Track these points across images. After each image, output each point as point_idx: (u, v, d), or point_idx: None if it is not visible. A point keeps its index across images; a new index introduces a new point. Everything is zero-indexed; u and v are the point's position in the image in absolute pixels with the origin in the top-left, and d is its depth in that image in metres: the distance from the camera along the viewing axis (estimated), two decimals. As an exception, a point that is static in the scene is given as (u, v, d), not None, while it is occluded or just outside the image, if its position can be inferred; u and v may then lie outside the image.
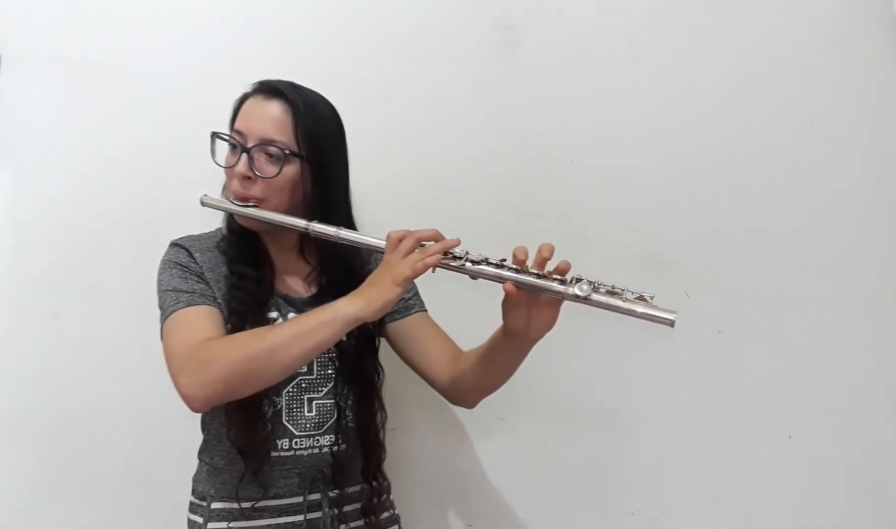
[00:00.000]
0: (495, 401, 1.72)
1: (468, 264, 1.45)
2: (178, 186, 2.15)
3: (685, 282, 2.18)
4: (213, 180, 1.71)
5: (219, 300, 1.61)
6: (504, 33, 2.31)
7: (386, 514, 1.80)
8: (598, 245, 2.21)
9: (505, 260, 1.44)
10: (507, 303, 1.47)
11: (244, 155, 1.59)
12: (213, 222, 1.77)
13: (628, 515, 2.22)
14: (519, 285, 1.41)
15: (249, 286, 1.63)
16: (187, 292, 1.58)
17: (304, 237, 1.66)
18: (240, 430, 1.60)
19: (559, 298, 1.41)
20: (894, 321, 2.21)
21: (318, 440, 1.67)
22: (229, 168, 1.63)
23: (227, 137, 1.65)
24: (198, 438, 1.76)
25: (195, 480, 1.74)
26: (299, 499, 1.65)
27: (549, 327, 1.48)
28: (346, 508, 1.70)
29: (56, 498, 2.15)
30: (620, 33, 2.32)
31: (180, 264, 1.63)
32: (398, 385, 1.92)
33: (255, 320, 1.59)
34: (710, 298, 2.21)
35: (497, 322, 1.52)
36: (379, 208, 1.89)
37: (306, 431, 1.66)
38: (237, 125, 1.64)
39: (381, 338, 1.81)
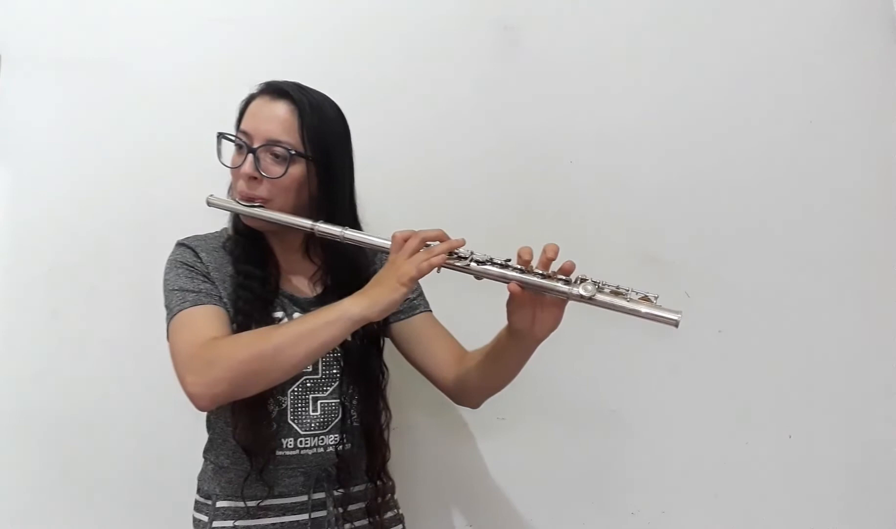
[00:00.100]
0: (496, 401, 1.72)
1: (473, 265, 1.45)
2: (177, 186, 2.17)
3: (685, 282, 2.17)
4: (213, 180, 1.71)
5: (225, 300, 1.62)
6: (504, 33, 2.32)
7: (390, 514, 1.80)
8: (598, 245, 2.20)
9: (510, 260, 1.44)
10: (511, 303, 1.47)
11: (250, 155, 1.59)
12: (214, 221, 1.77)
13: (628, 515, 2.22)
14: (524, 285, 1.41)
15: (255, 286, 1.63)
16: (193, 291, 1.59)
17: (310, 237, 1.65)
18: (245, 429, 1.60)
19: (564, 298, 1.41)
20: (894, 321, 2.22)
21: (322, 439, 1.67)
22: (235, 168, 1.63)
23: (233, 138, 1.66)
24: (196, 437, 1.76)
25: (200, 479, 1.74)
26: (304, 498, 1.65)
27: (554, 327, 1.48)
28: (351, 507, 1.70)
29: (56, 498, 2.15)
30: (620, 33, 2.33)
31: (186, 264, 1.63)
32: (402, 385, 1.92)
33: (261, 319, 1.59)
34: (710, 298, 2.21)
35: (501, 322, 1.52)
36: (378, 208, 1.89)
37: (311, 430, 1.66)
38: (243, 126, 1.64)
39: (385, 338, 1.81)
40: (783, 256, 2.23)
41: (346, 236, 1.56)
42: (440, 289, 1.78)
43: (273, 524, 1.63)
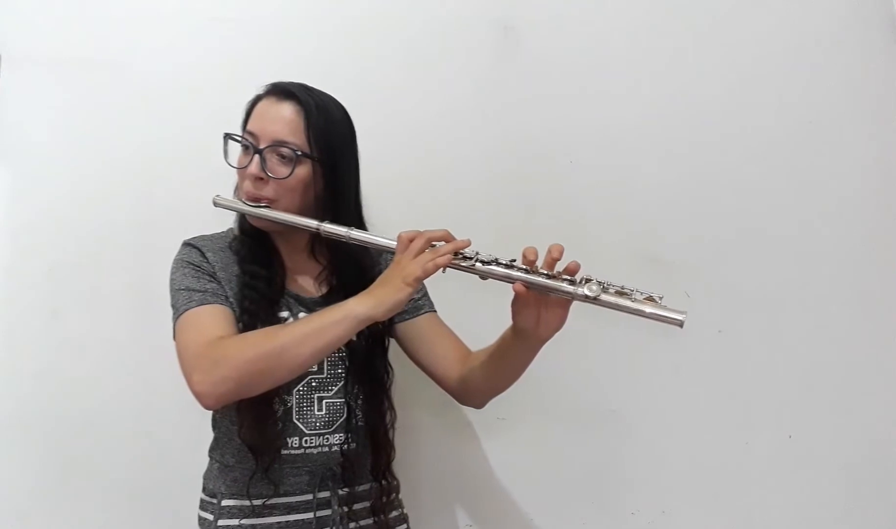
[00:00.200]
0: (497, 401, 1.72)
1: (478, 265, 1.45)
2: (178, 186, 2.17)
3: (685, 282, 2.18)
4: (214, 180, 1.70)
5: (231, 300, 1.62)
6: (504, 33, 2.32)
7: (395, 513, 1.80)
8: (598, 245, 2.21)
9: (515, 260, 1.45)
10: (516, 303, 1.47)
11: (256, 156, 1.60)
12: (214, 221, 1.77)
13: (628, 515, 2.22)
14: (529, 285, 1.41)
15: (261, 286, 1.63)
16: (199, 291, 1.59)
17: (315, 237, 1.66)
18: (250, 428, 1.60)
19: (569, 298, 1.41)
20: (894, 321, 2.23)
21: (327, 438, 1.67)
22: (241, 169, 1.64)
23: (239, 139, 1.66)
24: (201, 436, 1.76)
25: (206, 477, 1.74)
26: (309, 497, 1.65)
27: (559, 327, 1.48)
28: (356, 506, 1.70)
29: (56, 498, 2.14)
30: (620, 33, 2.33)
31: (193, 264, 1.63)
32: (407, 385, 1.92)
33: (267, 319, 1.59)
34: (710, 298, 2.22)
35: (506, 323, 1.52)
36: (379, 208, 1.89)
37: (316, 429, 1.66)
38: (249, 126, 1.64)
39: (390, 338, 1.81)
40: (783, 256, 2.24)
41: (351, 236, 1.56)
42: (445, 289, 1.78)
43: (278, 522, 1.63)
